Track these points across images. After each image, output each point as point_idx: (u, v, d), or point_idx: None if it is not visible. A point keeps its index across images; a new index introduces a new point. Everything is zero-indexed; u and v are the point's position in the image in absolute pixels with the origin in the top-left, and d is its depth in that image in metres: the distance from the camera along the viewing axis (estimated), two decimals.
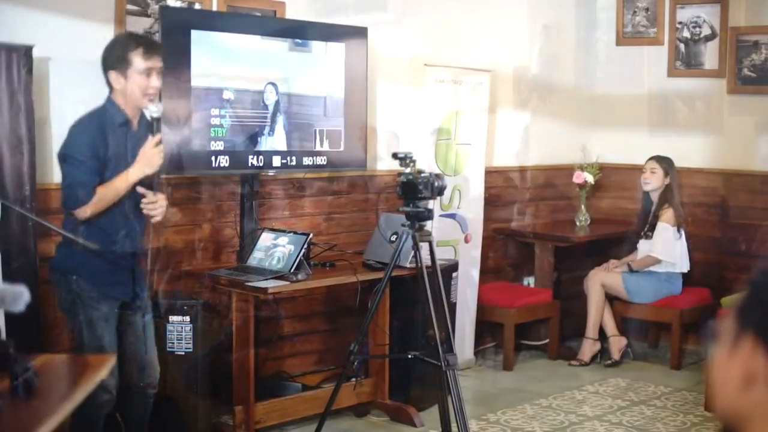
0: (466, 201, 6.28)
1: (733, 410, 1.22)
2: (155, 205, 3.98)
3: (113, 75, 3.92)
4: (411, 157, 4.54)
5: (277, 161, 5.13)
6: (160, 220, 4.06)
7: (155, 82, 3.94)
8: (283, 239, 4.89)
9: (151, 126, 3.96)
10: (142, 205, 3.96)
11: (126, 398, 4.15)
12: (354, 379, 5.24)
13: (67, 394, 2.81)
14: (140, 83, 3.90)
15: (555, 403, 5.73)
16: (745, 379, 1.19)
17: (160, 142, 3.95)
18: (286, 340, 5.67)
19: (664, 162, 6.50)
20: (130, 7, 4.81)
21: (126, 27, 4.78)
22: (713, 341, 1.26)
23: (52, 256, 4.14)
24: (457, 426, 4.40)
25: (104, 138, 3.90)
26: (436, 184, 4.50)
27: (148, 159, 3.92)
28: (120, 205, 3.94)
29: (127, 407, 4.17)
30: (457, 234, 6.25)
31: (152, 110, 3.95)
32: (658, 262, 6.44)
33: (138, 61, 3.90)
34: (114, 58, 3.93)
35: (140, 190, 3.95)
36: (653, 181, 6.49)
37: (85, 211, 3.87)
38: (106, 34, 4.75)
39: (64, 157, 3.91)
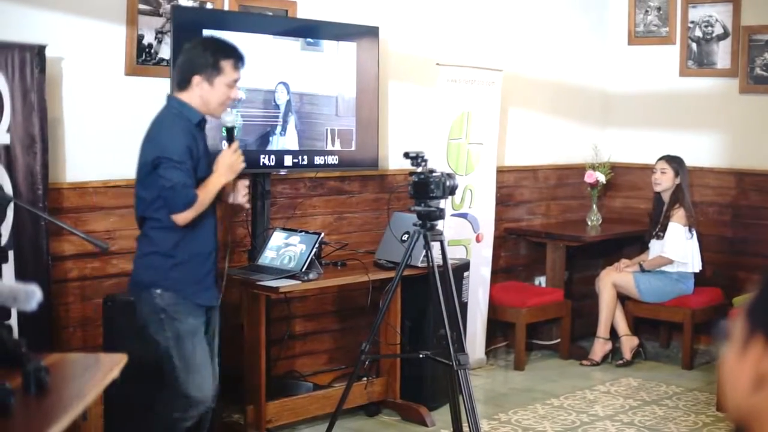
0: (478, 200, 6.28)
1: (744, 411, 1.21)
2: (246, 192, 4.10)
3: (197, 79, 3.82)
4: (423, 157, 4.53)
5: (288, 160, 5.14)
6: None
7: (235, 93, 3.93)
8: (295, 238, 4.89)
9: (229, 134, 3.98)
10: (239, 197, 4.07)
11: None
12: (365, 379, 5.24)
13: (78, 392, 2.82)
14: (224, 93, 3.85)
15: (566, 402, 5.72)
16: (756, 380, 1.18)
17: (237, 148, 3.95)
18: (298, 340, 5.67)
19: (674, 162, 6.48)
20: (142, 6, 4.83)
21: (138, 27, 4.80)
22: (724, 341, 1.26)
23: (132, 271, 3.99)
24: (469, 425, 4.39)
25: (194, 139, 3.84)
26: (447, 183, 4.49)
27: (232, 166, 3.91)
28: None
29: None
30: (468, 233, 6.24)
31: (228, 120, 3.97)
32: (669, 262, 6.42)
33: (229, 71, 3.84)
34: (204, 63, 3.83)
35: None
36: (664, 182, 6.47)
37: (188, 215, 3.78)
38: (119, 33, 4.78)
39: (158, 162, 3.75)
